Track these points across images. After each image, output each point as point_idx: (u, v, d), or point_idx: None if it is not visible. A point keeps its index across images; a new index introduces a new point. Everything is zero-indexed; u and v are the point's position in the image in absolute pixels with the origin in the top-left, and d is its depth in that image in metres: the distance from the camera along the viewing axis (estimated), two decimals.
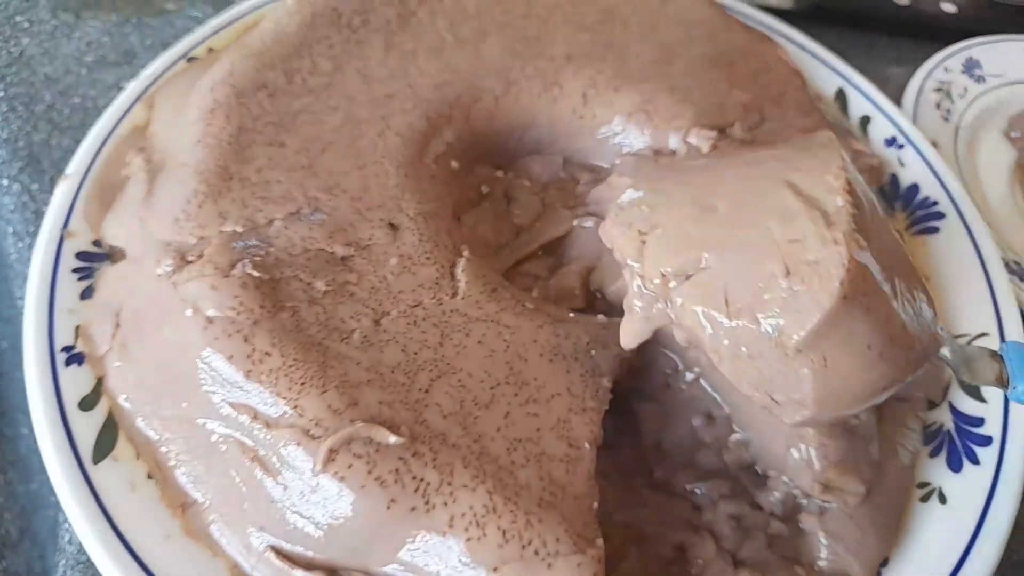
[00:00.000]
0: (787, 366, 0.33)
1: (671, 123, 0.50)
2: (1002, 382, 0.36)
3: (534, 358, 0.40)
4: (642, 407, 0.44)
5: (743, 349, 0.34)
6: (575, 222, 0.49)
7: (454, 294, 0.41)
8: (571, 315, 0.42)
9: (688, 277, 0.35)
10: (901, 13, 0.74)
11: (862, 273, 0.32)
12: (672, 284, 0.35)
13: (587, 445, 0.37)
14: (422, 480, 0.35)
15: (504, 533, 0.34)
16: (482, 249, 0.47)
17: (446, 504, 0.35)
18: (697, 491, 0.42)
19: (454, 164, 0.48)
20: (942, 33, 0.73)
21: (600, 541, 0.35)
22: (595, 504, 0.36)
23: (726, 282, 0.34)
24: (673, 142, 0.50)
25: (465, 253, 0.43)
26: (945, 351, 0.36)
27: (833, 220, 0.33)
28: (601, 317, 0.43)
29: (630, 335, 0.38)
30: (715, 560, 0.40)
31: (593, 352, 0.41)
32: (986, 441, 0.45)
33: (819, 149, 0.37)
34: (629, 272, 0.37)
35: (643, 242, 0.37)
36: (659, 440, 0.43)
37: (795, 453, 0.41)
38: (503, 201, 0.51)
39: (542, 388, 0.39)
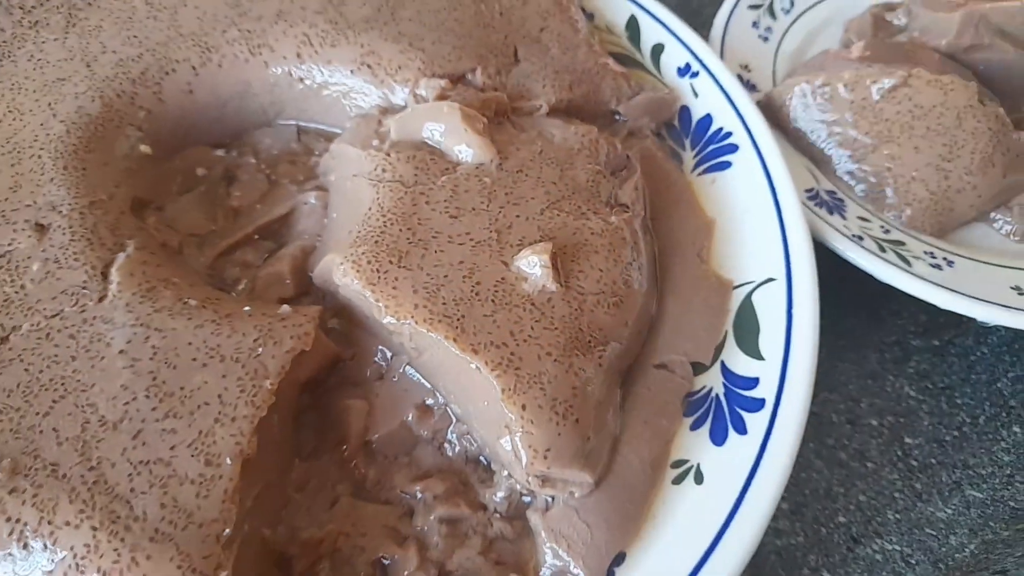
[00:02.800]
0: None
1: (396, 75, 0.44)
2: None
3: (185, 364, 0.35)
4: (349, 404, 0.38)
5: None
6: (299, 198, 0.44)
7: (102, 298, 0.36)
8: (245, 309, 0.37)
9: None
10: None
11: None
12: None
13: (229, 461, 0.32)
14: (18, 521, 0.30)
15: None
16: (186, 239, 0.42)
17: (45, 547, 0.30)
18: (411, 494, 0.37)
19: (144, 148, 0.42)
20: None
21: (224, 574, 0.30)
22: (226, 531, 0.31)
23: None
24: (400, 96, 0.44)
25: (129, 248, 0.38)
26: None
27: None
28: (285, 307, 0.37)
29: None
30: (417, 574, 0.35)
31: (260, 350, 0.35)
32: (758, 405, 0.39)
33: None
34: None
35: None
36: (370, 440, 0.38)
37: (505, 444, 0.35)
38: (222, 183, 0.45)
39: (188, 398, 0.34)
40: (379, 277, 0.37)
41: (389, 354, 0.39)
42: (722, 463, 0.38)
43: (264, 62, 0.45)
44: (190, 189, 0.44)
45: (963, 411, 0.48)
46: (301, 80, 0.45)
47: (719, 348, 0.42)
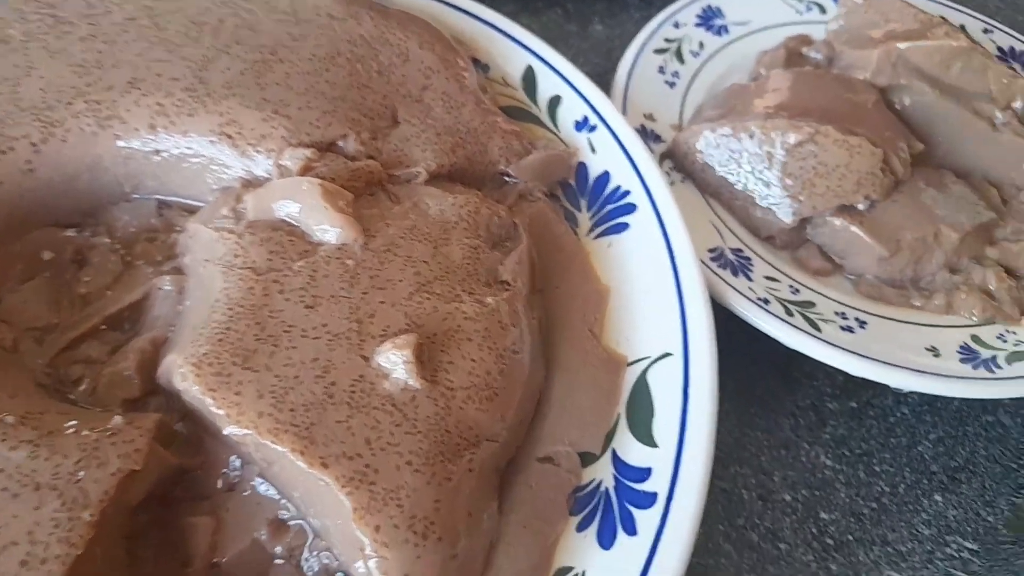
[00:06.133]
0: None
1: (259, 145, 0.41)
2: None
3: None
4: (193, 521, 0.35)
5: None
6: (154, 283, 0.40)
7: None
8: (71, 423, 0.33)
9: None
10: None
11: None
12: None
13: None
14: None
15: None
16: (23, 334, 0.38)
17: None
18: None
19: None
20: None
21: None
22: None
23: None
24: (262, 167, 0.41)
25: None
26: None
27: None
28: (116, 419, 0.34)
29: None
30: None
31: (81, 474, 0.32)
32: (649, 500, 0.36)
33: None
34: None
35: None
36: (217, 561, 0.34)
37: (359, 568, 0.32)
38: (71, 267, 0.41)
39: None
40: (220, 382, 0.33)
41: (240, 463, 0.36)
42: (610, 569, 0.34)
43: (115, 135, 0.41)
44: (33, 276, 0.40)
45: (882, 480, 0.46)
46: (157, 152, 0.42)
47: (610, 435, 0.39)
